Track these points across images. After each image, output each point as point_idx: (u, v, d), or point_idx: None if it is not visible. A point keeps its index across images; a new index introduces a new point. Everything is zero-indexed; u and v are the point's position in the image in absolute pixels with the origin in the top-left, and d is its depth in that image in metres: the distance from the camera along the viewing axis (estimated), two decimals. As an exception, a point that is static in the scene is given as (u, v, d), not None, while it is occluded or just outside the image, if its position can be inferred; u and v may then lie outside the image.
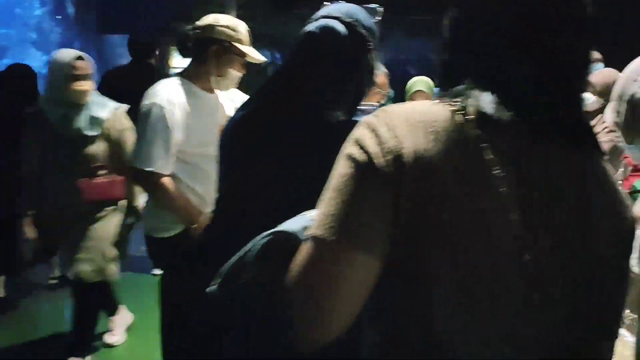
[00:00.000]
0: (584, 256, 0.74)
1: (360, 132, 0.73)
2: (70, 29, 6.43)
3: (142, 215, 2.82)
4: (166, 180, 2.14)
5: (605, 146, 3.07)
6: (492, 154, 0.70)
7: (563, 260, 0.72)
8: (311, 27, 1.36)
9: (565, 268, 0.72)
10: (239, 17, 5.32)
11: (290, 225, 0.81)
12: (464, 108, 0.73)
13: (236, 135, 1.42)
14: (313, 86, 1.33)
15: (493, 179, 0.69)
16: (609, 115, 1.25)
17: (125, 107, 2.89)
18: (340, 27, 1.34)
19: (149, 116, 2.11)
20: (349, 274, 0.69)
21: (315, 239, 0.71)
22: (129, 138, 2.75)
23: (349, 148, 0.73)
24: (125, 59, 7.50)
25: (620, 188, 0.81)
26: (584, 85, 0.78)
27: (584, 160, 0.76)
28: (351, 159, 0.72)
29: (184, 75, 2.26)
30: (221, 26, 2.20)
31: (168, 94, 2.15)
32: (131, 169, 2.24)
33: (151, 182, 2.15)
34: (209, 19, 2.23)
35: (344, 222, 0.69)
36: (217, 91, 2.32)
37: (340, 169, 0.73)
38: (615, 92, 1.25)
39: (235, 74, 2.27)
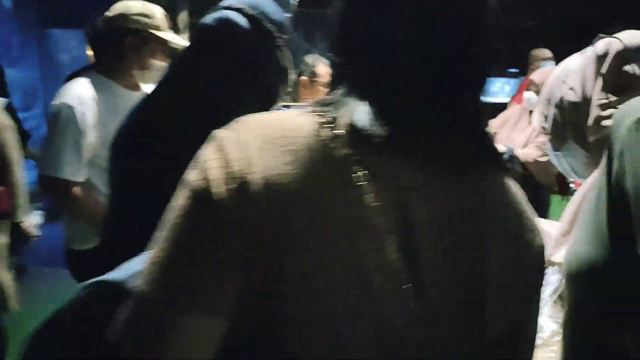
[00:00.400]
0: (479, 291, 0.61)
1: (206, 150, 0.59)
2: (8, 22, 6.08)
3: (32, 237, 2.54)
4: (77, 189, 1.95)
5: (534, 152, 3.01)
6: (365, 179, 0.57)
7: (452, 298, 0.60)
8: (208, 19, 1.22)
9: (456, 307, 0.60)
10: (191, 11, 5.05)
11: (119, 272, 0.66)
12: (333, 120, 0.59)
13: (127, 132, 1.30)
14: (203, 81, 1.21)
15: (365, 210, 0.56)
16: (536, 120, 1.14)
17: (3, 101, 2.49)
18: (242, 20, 1.20)
19: (57, 118, 1.91)
20: (179, 340, 0.54)
21: (137, 294, 0.56)
22: (9, 138, 2.39)
23: (190, 172, 0.58)
24: (67, 54, 7.12)
25: (529, 211, 0.68)
26: (480, 95, 0.65)
27: (480, 183, 0.63)
28: (189, 187, 0.57)
29: (102, 71, 2.06)
30: (134, 14, 1.97)
31: (80, 93, 1.95)
32: (38, 176, 2.03)
33: (61, 190, 1.95)
34: (120, 7, 2.00)
35: (174, 274, 0.55)
36: (143, 86, 2.11)
37: (178, 200, 0.58)
38: (542, 95, 1.14)
39: (159, 64, 2.04)
